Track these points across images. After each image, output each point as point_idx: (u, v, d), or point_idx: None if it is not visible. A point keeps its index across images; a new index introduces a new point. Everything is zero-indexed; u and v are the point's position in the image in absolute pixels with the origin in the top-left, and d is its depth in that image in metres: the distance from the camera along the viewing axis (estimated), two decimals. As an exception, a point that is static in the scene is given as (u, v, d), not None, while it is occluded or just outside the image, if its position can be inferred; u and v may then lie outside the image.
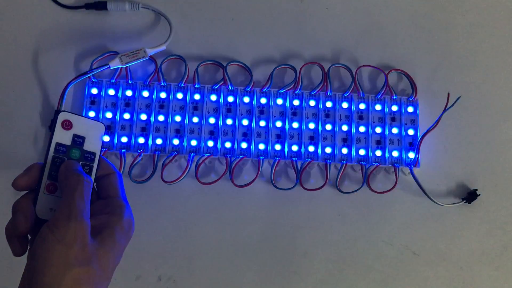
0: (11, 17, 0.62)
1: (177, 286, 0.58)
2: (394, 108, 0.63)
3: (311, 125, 0.61)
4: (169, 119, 0.60)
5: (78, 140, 0.44)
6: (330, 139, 0.61)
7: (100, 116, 0.59)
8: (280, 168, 0.61)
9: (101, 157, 0.45)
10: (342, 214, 0.61)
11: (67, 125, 0.44)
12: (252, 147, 0.60)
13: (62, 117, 0.43)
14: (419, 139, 0.61)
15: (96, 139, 0.45)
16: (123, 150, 0.58)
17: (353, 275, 0.60)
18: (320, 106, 0.62)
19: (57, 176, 0.42)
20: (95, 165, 0.44)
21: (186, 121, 0.60)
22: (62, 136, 0.43)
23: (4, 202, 0.57)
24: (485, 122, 0.65)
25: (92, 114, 0.59)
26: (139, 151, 0.58)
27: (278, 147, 0.60)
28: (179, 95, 0.60)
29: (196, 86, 0.61)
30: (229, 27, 0.65)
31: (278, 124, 0.61)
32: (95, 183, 0.44)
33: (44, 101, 0.60)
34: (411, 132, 0.62)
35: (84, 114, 0.58)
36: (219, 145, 0.59)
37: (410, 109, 0.63)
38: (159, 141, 0.59)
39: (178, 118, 0.60)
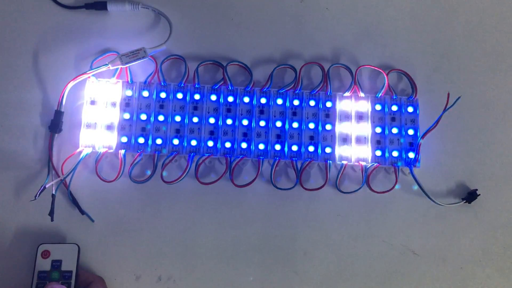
0: (11, 17, 0.62)
1: (177, 286, 0.58)
2: (394, 108, 0.63)
3: (311, 125, 0.61)
4: (169, 119, 0.60)
5: (56, 264, 0.53)
6: (330, 139, 0.61)
7: (100, 116, 0.59)
8: (280, 168, 0.61)
9: (81, 271, 0.54)
10: (342, 214, 0.61)
11: (45, 254, 0.53)
12: (252, 147, 0.60)
13: (41, 249, 0.53)
14: (419, 139, 0.61)
15: (71, 259, 0.53)
16: (123, 150, 0.58)
17: (353, 275, 0.60)
18: (320, 106, 0.62)
19: None
20: (72, 281, 0.53)
21: (186, 121, 0.60)
22: (42, 265, 0.53)
23: (4, 201, 0.58)
24: (485, 122, 0.65)
25: (92, 113, 0.59)
26: (139, 151, 0.58)
27: (278, 147, 0.60)
28: (179, 95, 0.60)
29: (196, 86, 0.61)
30: (229, 27, 0.65)
31: (278, 124, 0.61)
32: None
33: (44, 101, 0.60)
34: (411, 132, 0.62)
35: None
36: (219, 145, 0.59)
37: (410, 109, 0.63)
38: (159, 141, 0.59)
39: (178, 118, 0.60)
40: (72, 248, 0.54)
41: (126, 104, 0.60)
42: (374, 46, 0.66)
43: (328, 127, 0.61)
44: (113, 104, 0.59)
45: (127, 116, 0.59)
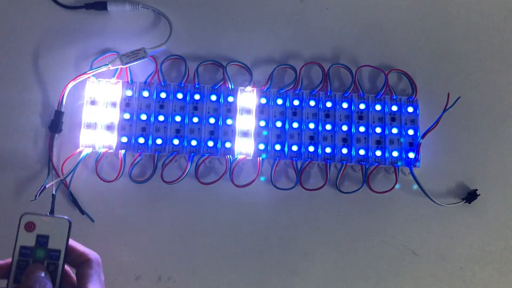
0: (11, 17, 0.62)
1: (177, 286, 0.58)
2: (394, 108, 0.63)
3: (311, 125, 0.61)
4: (169, 119, 0.60)
5: (42, 240, 0.44)
6: (330, 139, 0.61)
7: (100, 116, 0.59)
8: (280, 168, 0.61)
9: (73, 246, 0.45)
10: (342, 214, 0.61)
11: (29, 227, 0.44)
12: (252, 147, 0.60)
13: (24, 219, 0.44)
14: (419, 139, 0.61)
15: (60, 235, 0.44)
16: (123, 150, 0.58)
17: (353, 275, 0.60)
18: (320, 106, 0.62)
19: None
20: (60, 262, 0.44)
21: (186, 121, 0.60)
22: (25, 239, 0.44)
23: (4, 201, 0.58)
24: (485, 122, 0.65)
25: (92, 113, 0.59)
26: (139, 151, 0.58)
27: (278, 147, 0.60)
28: (179, 95, 0.60)
29: (196, 86, 0.61)
30: (229, 27, 0.65)
31: (278, 124, 0.61)
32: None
33: (44, 101, 0.60)
34: (411, 132, 0.62)
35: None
36: (219, 145, 0.59)
37: (410, 109, 0.63)
38: (159, 141, 0.59)
39: (178, 118, 0.60)
40: (62, 223, 0.45)
41: (126, 104, 0.60)
42: (374, 46, 0.66)
43: (328, 127, 0.61)
44: (113, 104, 0.59)
45: (127, 116, 0.59)
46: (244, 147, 0.60)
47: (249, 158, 0.59)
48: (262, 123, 0.60)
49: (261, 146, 0.60)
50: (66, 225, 0.45)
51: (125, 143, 0.59)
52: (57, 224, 0.45)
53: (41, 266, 0.43)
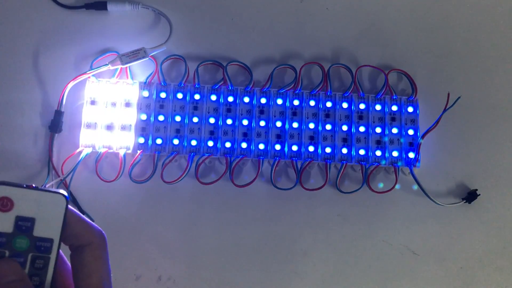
0: (11, 17, 0.62)
1: (177, 286, 0.58)
2: (394, 108, 0.63)
3: (311, 125, 0.61)
4: (169, 119, 0.60)
5: (24, 225, 0.30)
6: (330, 139, 0.61)
7: (100, 116, 0.59)
8: (280, 168, 0.61)
9: (76, 217, 0.32)
10: (342, 214, 0.61)
11: (5, 204, 0.31)
12: (252, 147, 0.60)
13: None
14: (419, 139, 0.61)
15: (53, 218, 0.31)
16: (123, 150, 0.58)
17: (353, 275, 0.60)
18: (320, 106, 0.62)
19: None
20: (52, 256, 0.30)
21: (186, 121, 0.60)
22: None
23: (4, 202, 0.57)
24: (485, 122, 0.65)
25: (92, 113, 0.59)
26: (139, 151, 0.58)
27: (278, 147, 0.60)
28: (179, 95, 0.60)
29: (196, 86, 0.61)
30: (229, 27, 0.65)
31: (278, 124, 0.61)
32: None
33: (44, 101, 0.60)
34: (411, 132, 0.62)
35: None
36: (219, 145, 0.59)
37: (410, 109, 0.63)
38: (159, 141, 0.59)
39: (178, 118, 0.60)
40: (55, 201, 0.31)
41: (126, 104, 0.60)
42: (374, 46, 0.66)
43: (328, 127, 0.61)
44: (113, 104, 0.59)
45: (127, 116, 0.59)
46: (244, 146, 0.60)
47: (249, 158, 0.60)
48: (262, 123, 0.61)
49: (262, 146, 0.60)
50: (62, 204, 0.31)
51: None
52: (47, 201, 0.31)
53: (14, 264, 0.30)
